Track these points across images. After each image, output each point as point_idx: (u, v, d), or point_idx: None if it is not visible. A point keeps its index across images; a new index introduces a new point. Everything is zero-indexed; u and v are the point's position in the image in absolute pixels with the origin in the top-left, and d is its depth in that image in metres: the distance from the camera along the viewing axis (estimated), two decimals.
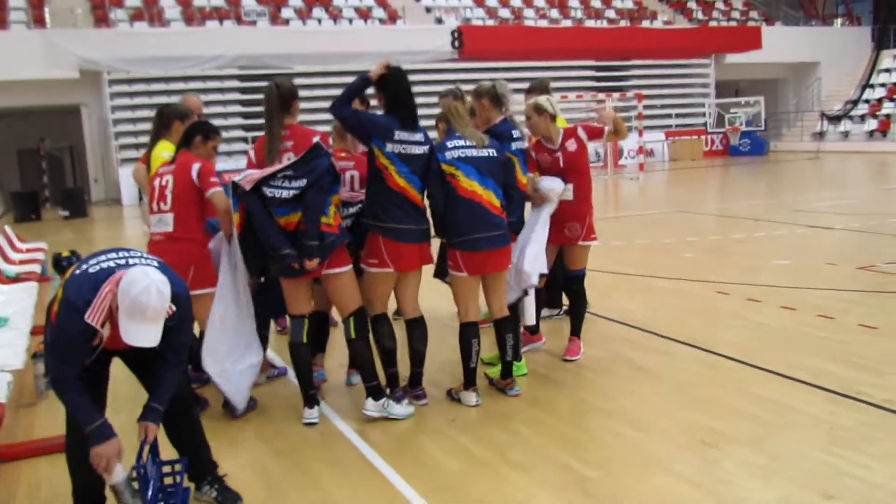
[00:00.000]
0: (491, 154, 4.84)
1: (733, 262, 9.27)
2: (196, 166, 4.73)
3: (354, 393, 5.27)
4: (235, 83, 24.38)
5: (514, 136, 5.16)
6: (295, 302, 4.71)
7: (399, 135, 4.49)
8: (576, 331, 5.95)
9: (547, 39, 26.83)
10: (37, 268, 8.65)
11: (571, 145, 5.46)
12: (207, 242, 4.86)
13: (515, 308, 5.25)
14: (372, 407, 4.68)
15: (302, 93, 21.49)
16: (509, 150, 5.06)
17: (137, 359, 3.57)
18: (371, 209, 4.62)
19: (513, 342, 5.11)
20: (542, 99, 5.47)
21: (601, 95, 24.26)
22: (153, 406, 3.42)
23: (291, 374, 5.80)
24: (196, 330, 4.82)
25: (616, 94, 24.96)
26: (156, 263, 3.34)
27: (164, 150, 5.44)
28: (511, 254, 5.00)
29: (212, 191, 4.69)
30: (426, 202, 4.76)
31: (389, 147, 4.48)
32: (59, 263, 10.49)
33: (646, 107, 25.08)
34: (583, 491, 3.76)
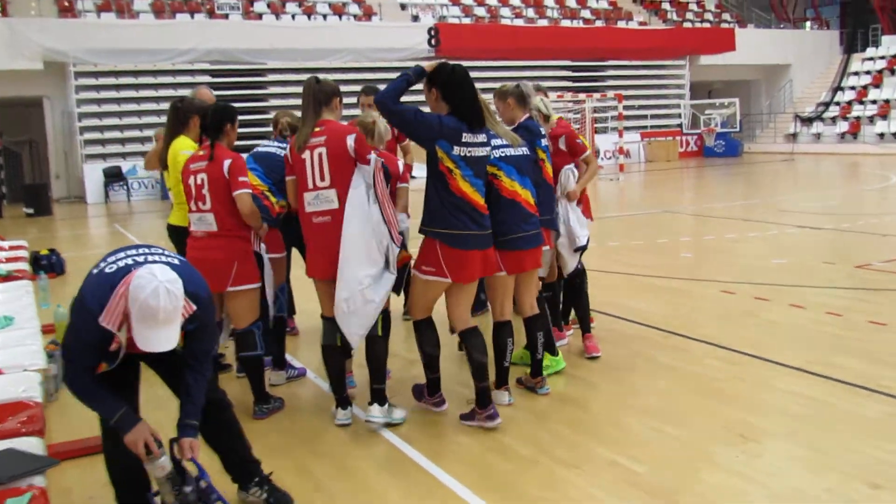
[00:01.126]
0: (525, 153, 4.92)
1: (733, 262, 9.46)
2: (227, 163, 4.72)
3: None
4: (207, 78, 24.12)
5: (542, 132, 5.25)
6: (327, 302, 4.73)
7: (466, 137, 4.37)
8: (587, 327, 6.05)
9: (523, 38, 27.05)
10: (24, 265, 8.51)
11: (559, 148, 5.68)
12: (250, 237, 4.85)
13: (545, 305, 5.34)
14: (378, 413, 4.64)
15: (274, 90, 21.84)
16: (540, 147, 5.18)
17: (162, 364, 3.51)
18: (430, 215, 4.43)
19: (543, 339, 5.18)
20: (537, 100, 5.58)
21: (581, 95, 24.53)
22: (187, 423, 3.31)
23: (311, 374, 5.81)
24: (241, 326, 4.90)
25: (596, 95, 25.24)
26: (174, 261, 3.25)
27: (184, 147, 5.41)
28: (542, 251, 5.08)
29: (237, 192, 4.68)
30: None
31: (457, 150, 4.34)
32: (38, 262, 10.33)
33: (625, 107, 25.39)
34: (638, 487, 3.84)
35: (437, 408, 4.84)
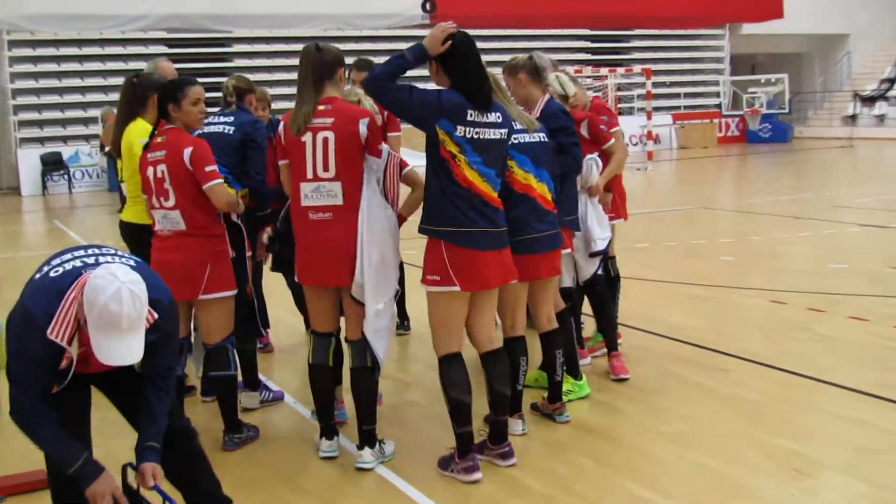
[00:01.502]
0: (542, 139, 4.93)
1: (782, 267, 9.52)
2: (187, 152, 4.72)
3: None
4: (162, 49, 24.15)
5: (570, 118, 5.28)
6: (321, 316, 4.76)
7: (472, 115, 4.29)
8: (613, 344, 6.09)
9: (534, 3, 27.12)
10: None
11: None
12: (225, 235, 4.89)
13: (564, 319, 5.37)
14: (370, 457, 4.64)
15: (241, 62, 21.84)
16: (572, 126, 5.20)
17: (115, 384, 3.52)
18: (429, 210, 4.36)
19: (563, 359, 5.21)
20: (551, 77, 5.59)
21: (604, 70, 24.59)
22: (149, 445, 3.31)
23: (289, 398, 5.85)
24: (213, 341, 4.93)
25: (620, 70, 25.32)
26: (130, 262, 3.27)
27: (142, 133, 5.39)
28: (560, 254, 5.11)
29: (208, 185, 4.70)
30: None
31: (460, 131, 4.27)
32: None
33: (654, 84, 25.48)
34: None
35: (468, 476, 4.44)
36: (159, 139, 4.84)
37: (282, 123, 4.62)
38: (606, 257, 6.12)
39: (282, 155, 4.63)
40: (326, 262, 4.52)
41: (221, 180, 4.77)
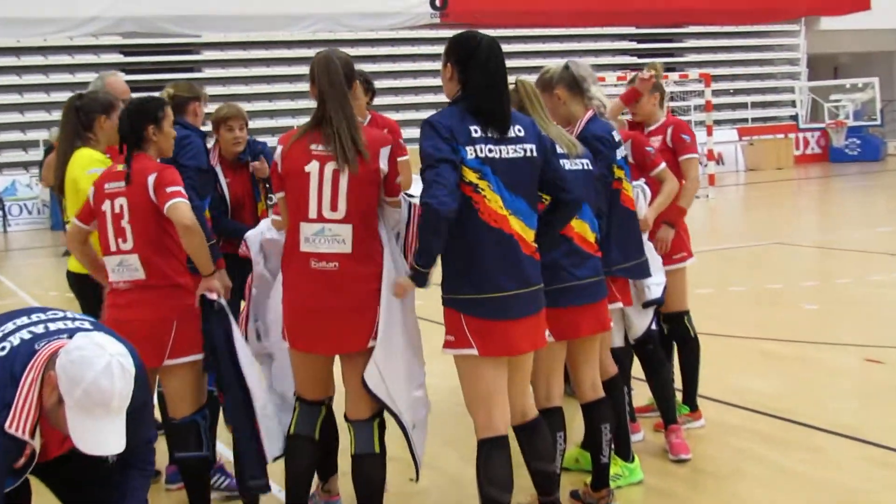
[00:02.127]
0: (586, 167, 4.92)
1: (879, 317, 9.45)
2: (151, 178, 4.74)
3: None
4: (117, 57, 24.50)
5: (617, 139, 5.25)
6: (312, 382, 4.72)
7: (477, 131, 4.29)
8: (671, 415, 6.03)
9: None
10: None
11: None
12: (195, 286, 4.87)
13: (615, 387, 5.32)
14: None
15: (212, 72, 21.93)
16: (615, 162, 5.17)
17: (65, 472, 3.51)
18: (448, 272, 4.36)
19: (610, 435, 5.15)
20: (595, 89, 5.59)
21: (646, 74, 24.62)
22: None
23: (275, 488, 5.77)
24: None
25: (673, 76, 25.37)
26: (85, 324, 3.31)
27: (90, 163, 5.40)
28: (607, 306, 5.06)
29: (169, 203, 4.68)
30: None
31: (471, 152, 4.24)
32: None
33: (714, 93, 25.56)
34: None
35: None
36: (120, 167, 4.86)
37: (279, 148, 4.59)
38: (664, 310, 6.08)
39: (278, 185, 4.61)
40: (327, 323, 4.47)
41: (185, 200, 4.75)
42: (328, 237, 4.44)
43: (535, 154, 4.37)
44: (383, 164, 4.47)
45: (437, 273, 4.38)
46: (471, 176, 4.23)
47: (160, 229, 4.75)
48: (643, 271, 5.47)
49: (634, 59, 28.76)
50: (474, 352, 4.30)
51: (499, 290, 4.27)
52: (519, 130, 4.36)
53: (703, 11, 29.39)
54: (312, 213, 4.45)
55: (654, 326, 5.96)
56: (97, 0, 23.81)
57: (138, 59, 24.30)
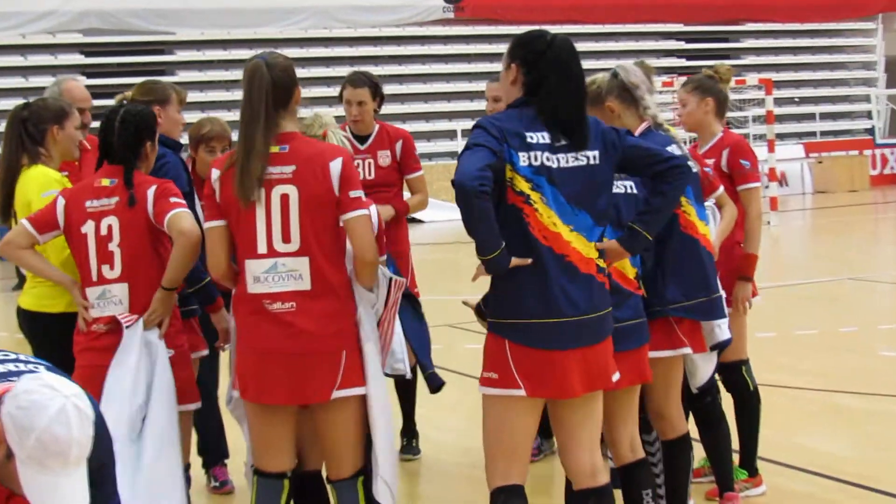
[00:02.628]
0: (629, 190, 4.97)
1: None
2: (151, 191, 4.84)
3: None
4: (77, 58, 24.70)
5: (677, 154, 5.26)
6: (271, 447, 4.71)
7: (537, 136, 4.37)
8: (727, 481, 6.02)
9: None
10: None
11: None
12: (185, 329, 4.95)
13: (684, 448, 5.35)
14: None
15: (187, 75, 21.88)
16: None
17: None
18: (494, 294, 4.46)
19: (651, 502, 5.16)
20: (650, 98, 5.62)
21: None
22: None
23: None
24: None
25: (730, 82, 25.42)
26: (40, 367, 3.30)
27: (46, 182, 5.39)
28: (647, 354, 5.07)
29: (172, 213, 4.77)
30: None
31: (524, 158, 4.34)
32: None
33: (776, 101, 25.59)
34: None
35: None
36: (105, 182, 4.92)
37: (215, 172, 4.62)
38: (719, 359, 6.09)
39: (212, 214, 4.61)
40: (289, 371, 4.50)
41: (183, 210, 4.83)
42: (282, 274, 4.50)
43: (597, 161, 4.44)
44: (334, 176, 4.50)
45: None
46: (523, 185, 4.32)
47: (154, 256, 4.84)
48: (711, 310, 5.41)
49: (683, 62, 28.85)
50: (521, 393, 4.36)
51: (544, 314, 4.34)
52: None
53: (764, 6, 29.46)
54: (261, 248, 4.50)
55: (715, 377, 5.95)
56: None
57: (101, 61, 24.49)
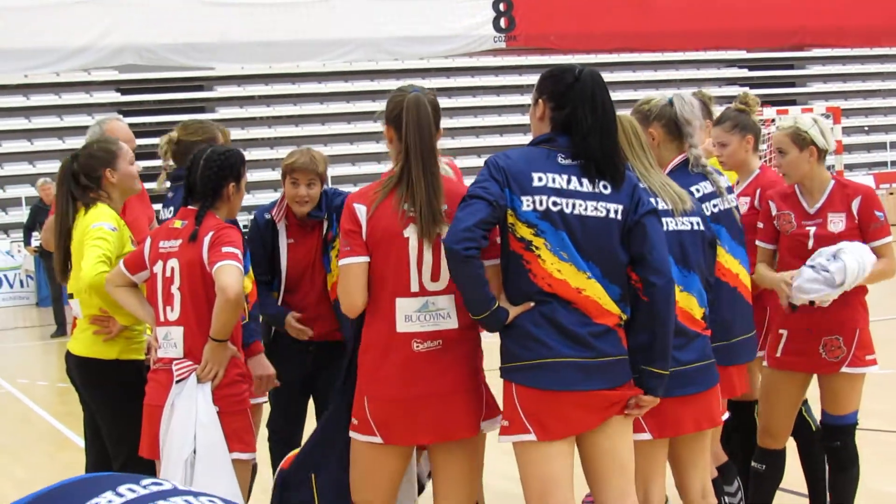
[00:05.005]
0: (696, 226, 4.98)
1: None
2: (209, 236, 4.91)
3: None
4: (112, 96, 24.92)
5: (708, 191, 5.29)
6: (380, 488, 4.78)
7: (545, 178, 4.45)
8: None
9: (661, 16, 27.53)
10: None
11: (837, 223, 5.69)
12: (247, 374, 5.02)
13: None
14: None
15: (227, 111, 21.92)
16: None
17: None
18: (503, 341, 4.52)
19: None
20: (806, 120, 5.68)
21: (769, 111, 24.67)
22: None
23: None
24: None
25: (794, 110, 25.35)
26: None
27: (97, 216, 5.50)
28: (718, 397, 5.11)
29: (219, 264, 4.82)
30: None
31: (527, 203, 4.41)
32: None
33: (845, 131, 25.51)
34: None
35: None
36: (178, 223, 5.05)
37: (360, 207, 4.67)
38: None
39: (356, 250, 4.68)
40: (433, 411, 4.60)
41: (237, 264, 4.87)
42: (432, 312, 4.60)
43: (618, 216, 4.49)
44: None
45: None
46: (524, 231, 4.40)
47: (209, 301, 4.89)
48: (729, 355, 5.36)
49: (745, 90, 28.70)
50: (532, 438, 4.44)
51: (544, 355, 4.41)
52: (605, 186, 4.47)
53: (831, 30, 29.31)
54: (414, 286, 4.59)
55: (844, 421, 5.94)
56: (88, 27, 24.29)
57: (138, 98, 24.64)
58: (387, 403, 4.66)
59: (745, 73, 29.52)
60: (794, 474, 6.21)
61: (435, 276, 4.58)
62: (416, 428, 4.65)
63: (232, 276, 4.80)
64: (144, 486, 3.05)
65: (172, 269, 4.92)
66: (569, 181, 4.42)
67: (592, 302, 4.42)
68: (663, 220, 4.76)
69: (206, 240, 4.90)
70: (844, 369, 5.72)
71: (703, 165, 5.32)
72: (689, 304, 4.86)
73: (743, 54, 29.49)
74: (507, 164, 4.40)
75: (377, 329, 4.66)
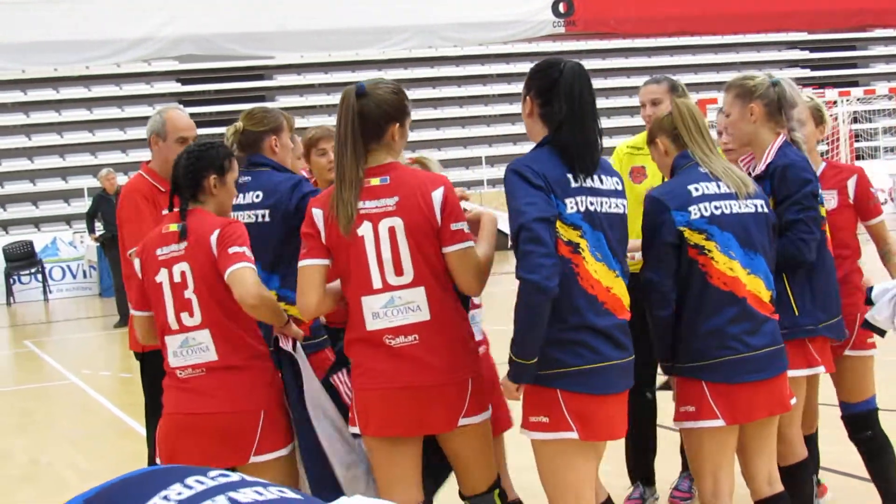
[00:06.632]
0: (760, 209, 4.97)
1: None
2: (214, 236, 4.84)
3: None
4: (173, 86, 25.09)
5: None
6: (402, 482, 4.79)
7: (576, 180, 4.51)
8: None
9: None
10: None
11: (830, 200, 5.64)
12: (274, 366, 4.97)
13: (804, 473, 5.34)
14: None
15: (287, 100, 21.98)
16: (813, 203, 5.19)
17: None
18: (543, 347, 4.49)
19: None
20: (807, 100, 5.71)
21: (831, 93, 24.48)
22: None
23: None
24: None
25: (856, 91, 25.11)
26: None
27: None
28: (786, 382, 5.11)
29: (231, 270, 4.75)
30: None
31: (571, 205, 4.48)
32: None
33: None
34: None
35: None
36: (172, 227, 4.95)
37: (316, 211, 4.68)
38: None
39: (312, 252, 4.70)
40: (418, 403, 4.62)
41: (250, 264, 4.80)
42: (400, 307, 4.62)
43: (623, 212, 4.64)
44: (437, 203, 4.60)
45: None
46: (571, 234, 4.45)
47: (233, 299, 4.82)
48: (836, 331, 5.45)
49: (807, 73, 28.49)
50: (574, 436, 4.48)
51: (593, 360, 4.45)
52: (616, 183, 4.61)
53: (894, 11, 29.03)
54: (376, 283, 4.61)
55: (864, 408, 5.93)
56: (147, 18, 24.52)
57: (198, 88, 24.80)
58: (367, 393, 4.71)
59: (806, 54, 29.25)
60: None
61: (398, 271, 4.59)
62: (393, 420, 4.67)
63: (244, 283, 4.75)
64: (212, 478, 3.11)
65: (183, 274, 4.85)
66: (593, 179, 4.50)
67: (618, 297, 4.54)
68: (732, 203, 4.83)
69: (213, 240, 4.84)
70: (849, 352, 5.75)
71: (799, 143, 5.38)
72: (756, 286, 4.87)
73: (804, 36, 29.22)
74: (542, 169, 4.44)
75: (353, 328, 4.72)
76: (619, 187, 4.58)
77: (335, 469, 4.90)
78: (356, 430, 4.77)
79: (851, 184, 5.77)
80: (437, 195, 4.60)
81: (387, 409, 4.68)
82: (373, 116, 4.62)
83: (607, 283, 4.48)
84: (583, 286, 4.44)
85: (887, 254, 5.82)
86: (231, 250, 4.77)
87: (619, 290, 4.52)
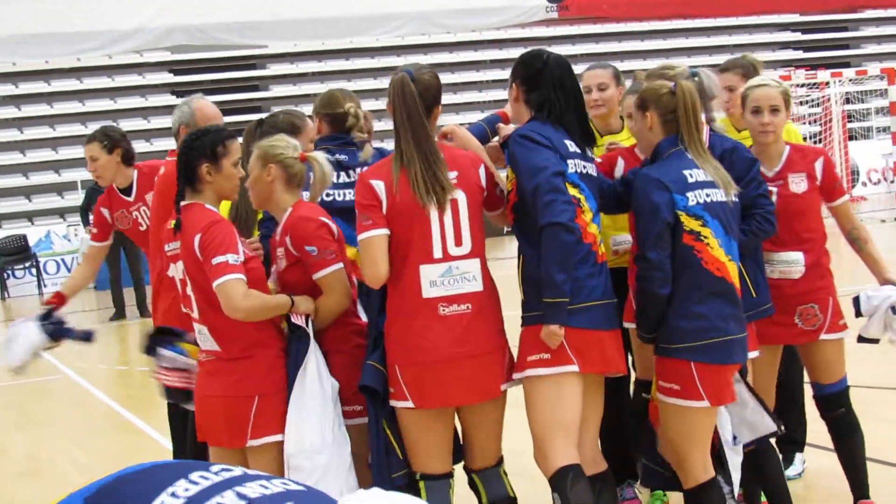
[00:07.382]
0: (735, 199, 5.12)
1: None
2: (197, 240, 4.84)
3: None
4: (165, 76, 25.06)
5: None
6: (438, 449, 4.99)
7: (571, 146, 4.97)
8: (861, 488, 5.95)
9: None
10: None
11: (799, 182, 5.78)
12: (281, 356, 5.03)
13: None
14: None
15: (281, 90, 22.04)
16: (763, 180, 5.42)
17: None
18: (538, 288, 4.84)
19: None
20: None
21: (823, 74, 24.48)
22: None
23: None
24: None
25: (848, 72, 25.11)
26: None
27: None
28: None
29: (216, 284, 4.76)
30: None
31: (572, 166, 4.95)
32: None
33: None
34: None
35: None
36: (172, 222, 5.06)
37: (377, 182, 4.84)
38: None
39: (379, 222, 4.82)
40: (476, 370, 4.85)
41: (236, 276, 4.76)
42: (457, 277, 4.84)
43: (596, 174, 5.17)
44: (482, 180, 4.99)
45: None
46: (573, 191, 4.89)
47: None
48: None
49: (800, 54, 28.49)
50: (574, 369, 4.86)
51: (587, 296, 4.90)
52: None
53: None
54: (437, 253, 4.83)
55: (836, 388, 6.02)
56: (139, 8, 24.49)
57: (191, 79, 24.74)
58: (417, 367, 4.86)
59: (798, 36, 29.23)
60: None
61: (458, 242, 4.85)
62: (447, 390, 4.86)
63: (228, 297, 4.77)
64: (216, 473, 3.15)
65: (183, 271, 5.01)
66: (573, 144, 5.01)
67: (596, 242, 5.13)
68: (712, 191, 5.02)
69: (197, 246, 4.84)
70: (823, 336, 5.85)
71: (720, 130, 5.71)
72: (735, 272, 5.10)
73: (796, 17, 29.23)
74: (546, 133, 4.92)
75: (402, 298, 4.88)
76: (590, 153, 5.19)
77: (287, 446, 4.93)
78: (403, 404, 4.88)
79: (819, 166, 5.84)
80: (482, 171, 5.00)
81: (446, 379, 4.87)
82: (426, 98, 4.96)
83: (592, 227, 5.05)
84: (593, 250, 4.98)
85: (857, 239, 5.89)
86: (215, 261, 4.80)
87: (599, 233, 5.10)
